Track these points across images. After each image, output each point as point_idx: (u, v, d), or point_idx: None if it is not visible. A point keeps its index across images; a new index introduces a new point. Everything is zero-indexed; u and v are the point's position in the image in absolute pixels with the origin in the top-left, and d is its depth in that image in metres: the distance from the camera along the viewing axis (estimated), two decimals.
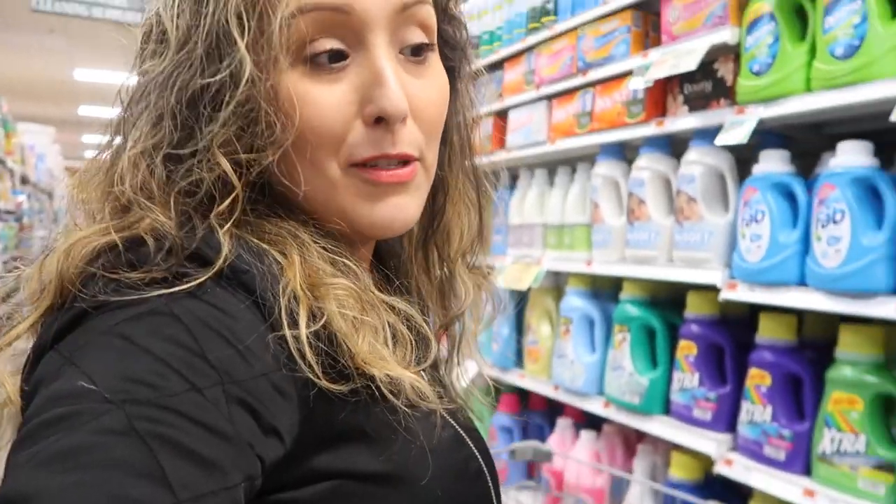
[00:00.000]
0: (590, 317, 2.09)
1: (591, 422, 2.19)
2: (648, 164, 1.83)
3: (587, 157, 2.15)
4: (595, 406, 2.05)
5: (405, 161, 0.55)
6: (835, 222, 1.35)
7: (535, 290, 2.33)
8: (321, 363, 0.46)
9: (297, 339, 0.46)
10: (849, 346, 1.41)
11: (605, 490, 2.10)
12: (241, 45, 0.48)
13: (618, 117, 1.91)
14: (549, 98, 2.20)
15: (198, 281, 0.44)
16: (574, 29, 2.06)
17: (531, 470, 2.44)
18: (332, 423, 0.47)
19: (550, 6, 2.17)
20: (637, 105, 1.84)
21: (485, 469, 0.58)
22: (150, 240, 0.46)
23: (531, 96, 2.27)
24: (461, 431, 0.58)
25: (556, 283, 2.30)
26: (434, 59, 0.57)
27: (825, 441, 1.42)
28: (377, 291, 0.54)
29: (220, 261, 0.46)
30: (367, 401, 0.49)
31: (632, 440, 2.13)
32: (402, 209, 0.55)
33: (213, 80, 0.49)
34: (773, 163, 1.52)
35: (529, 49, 2.28)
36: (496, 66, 2.46)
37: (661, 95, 1.80)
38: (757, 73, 1.51)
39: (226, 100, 0.49)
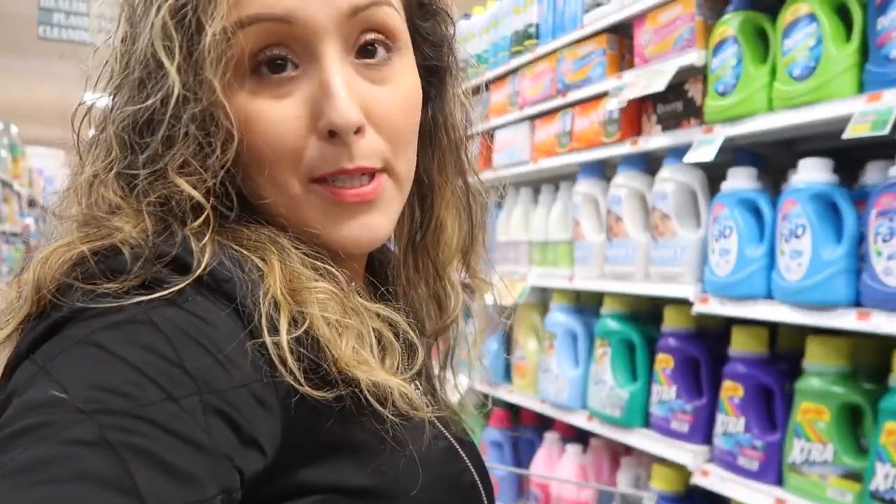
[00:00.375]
0: (573, 332, 2.13)
1: (580, 436, 2.22)
2: (625, 182, 1.88)
3: (569, 176, 2.21)
4: (579, 420, 2.08)
5: (370, 174, 0.52)
6: (797, 237, 1.39)
7: (522, 306, 2.37)
8: (303, 369, 0.45)
9: (277, 345, 0.44)
10: (816, 357, 1.44)
11: (591, 503, 2.12)
12: (170, 66, 0.47)
13: (595, 137, 1.96)
14: (532, 119, 2.26)
15: (177, 287, 0.43)
16: (554, 52, 2.12)
17: (522, 486, 2.47)
18: (316, 434, 0.46)
19: (533, 30, 2.23)
20: (613, 125, 1.89)
21: (479, 482, 0.57)
22: (127, 249, 0.45)
23: (515, 117, 2.33)
24: (455, 444, 0.56)
25: (542, 299, 2.34)
26: (399, 61, 0.54)
27: (795, 451, 1.45)
28: (361, 298, 0.52)
29: (201, 268, 0.45)
30: (353, 410, 0.47)
31: (619, 453, 2.16)
32: (369, 229, 0.53)
33: (147, 104, 0.48)
34: (740, 180, 1.56)
35: (513, 71, 2.35)
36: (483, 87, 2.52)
37: (635, 115, 1.85)
38: (722, 94, 1.56)
39: (164, 124, 0.48)
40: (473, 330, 0.68)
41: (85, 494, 0.34)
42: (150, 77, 0.48)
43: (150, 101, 0.48)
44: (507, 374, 2.47)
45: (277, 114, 0.50)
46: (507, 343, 2.48)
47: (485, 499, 0.57)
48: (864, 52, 1.31)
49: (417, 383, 0.60)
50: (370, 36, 0.52)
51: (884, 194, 1.25)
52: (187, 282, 0.44)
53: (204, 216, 0.48)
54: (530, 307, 2.35)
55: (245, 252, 0.48)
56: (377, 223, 0.53)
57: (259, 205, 0.52)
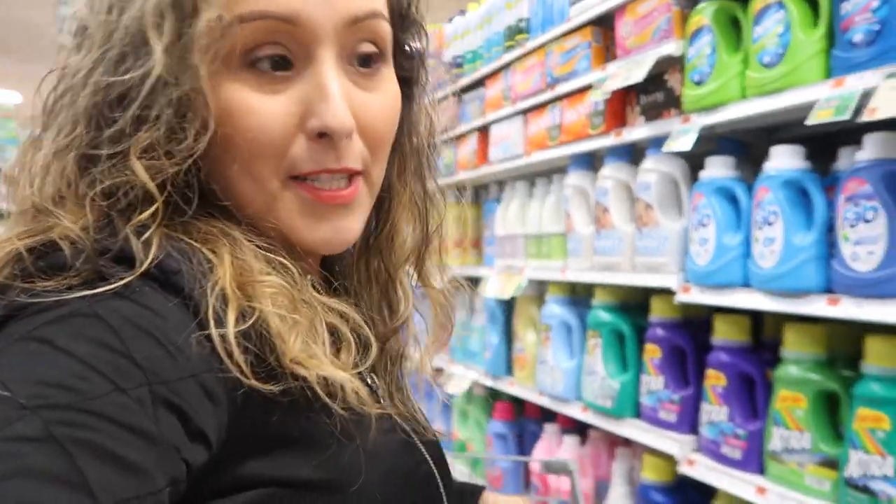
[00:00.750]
0: (567, 323, 2.14)
1: (580, 427, 2.23)
2: (611, 174, 1.88)
3: (561, 169, 2.22)
4: (574, 411, 2.09)
5: (349, 176, 0.53)
6: (769, 224, 1.39)
7: (521, 299, 2.39)
8: (251, 363, 0.45)
9: (224, 338, 0.44)
10: (793, 344, 1.44)
11: (590, 493, 2.14)
12: (157, 46, 0.47)
13: (582, 129, 1.97)
14: (525, 112, 2.28)
15: (124, 281, 0.43)
16: (543, 46, 2.13)
17: (526, 477, 2.49)
18: (263, 426, 0.46)
19: (524, 24, 2.25)
20: (598, 117, 1.90)
21: (437, 474, 0.57)
22: (66, 244, 0.44)
23: (509, 111, 2.35)
24: (413, 437, 0.57)
25: (540, 292, 2.36)
26: (386, 71, 0.56)
27: (775, 439, 1.45)
28: (316, 292, 0.53)
29: (147, 260, 0.44)
30: (302, 403, 0.47)
31: (617, 444, 2.16)
32: (341, 232, 0.54)
33: (124, 79, 0.47)
34: (717, 168, 1.56)
35: (506, 66, 2.36)
36: (479, 83, 2.55)
37: (620, 107, 1.86)
38: (698, 83, 1.56)
39: (137, 102, 0.47)
40: (426, 333, 0.67)
41: (30, 490, 0.33)
42: (133, 53, 0.47)
43: (127, 77, 0.47)
44: (509, 367, 2.50)
45: (268, 109, 0.50)
46: (508, 336, 2.50)
47: (443, 491, 0.58)
48: (831, 38, 1.30)
49: (374, 377, 0.61)
50: (365, 46, 0.53)
51: (850, 179, 1.25)
52: (135, 275, 0.43)
53: (154, 208, 0.47)
54: (528, 300, 2.37)
55: (194, 244, 0.48)
56: (349, 226, 0.55)
57: (219, 200, 0.52)
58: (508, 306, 2.47)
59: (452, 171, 2.76)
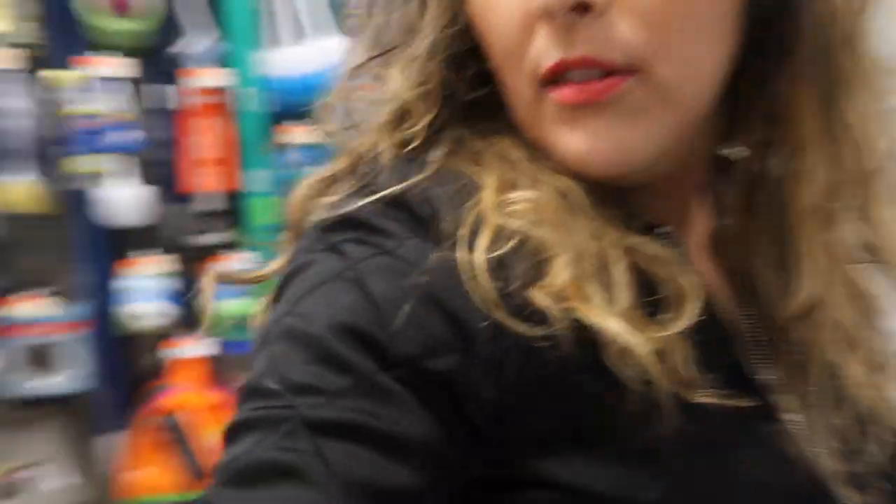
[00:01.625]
0: None
1: None
2: None
3: None
4: None
5: (606, 72, 0.41)
6: None
7: None
8: (533, 319, 0.37)
9: (507, 293, 0.37)
10: None
11: None
12: None
13: None
14: None
15: (389, 233, 0.39)
16: None
17: None
18: (545, 410, 0.38)
19: None
20: None
21: None
22: (348, 175, 0.44)
23: None
24: (805, 455, 0.41)
25: None
26: None
27: None
28: (631, 233, 0.41)
29: (418, 202, 0.40)
30: (581, 373, 0.37)
31: None
32: (602, 139, 0.41)
33: None
34: None
35: None
36: None
37: None
38: None
39: (430, 9, 0.45)
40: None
41: None
42: None
43: None
44: None
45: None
46: None
47: None
48: None
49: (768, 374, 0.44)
50: None
51: None
52: (398, 218, 0.40)
53: (423, 125, 0.44)
54: None
55: (466, 169, 0.42)
56: (615, 135, 0.41)
57: (501, 112, 0.46)
58: None
59: None
